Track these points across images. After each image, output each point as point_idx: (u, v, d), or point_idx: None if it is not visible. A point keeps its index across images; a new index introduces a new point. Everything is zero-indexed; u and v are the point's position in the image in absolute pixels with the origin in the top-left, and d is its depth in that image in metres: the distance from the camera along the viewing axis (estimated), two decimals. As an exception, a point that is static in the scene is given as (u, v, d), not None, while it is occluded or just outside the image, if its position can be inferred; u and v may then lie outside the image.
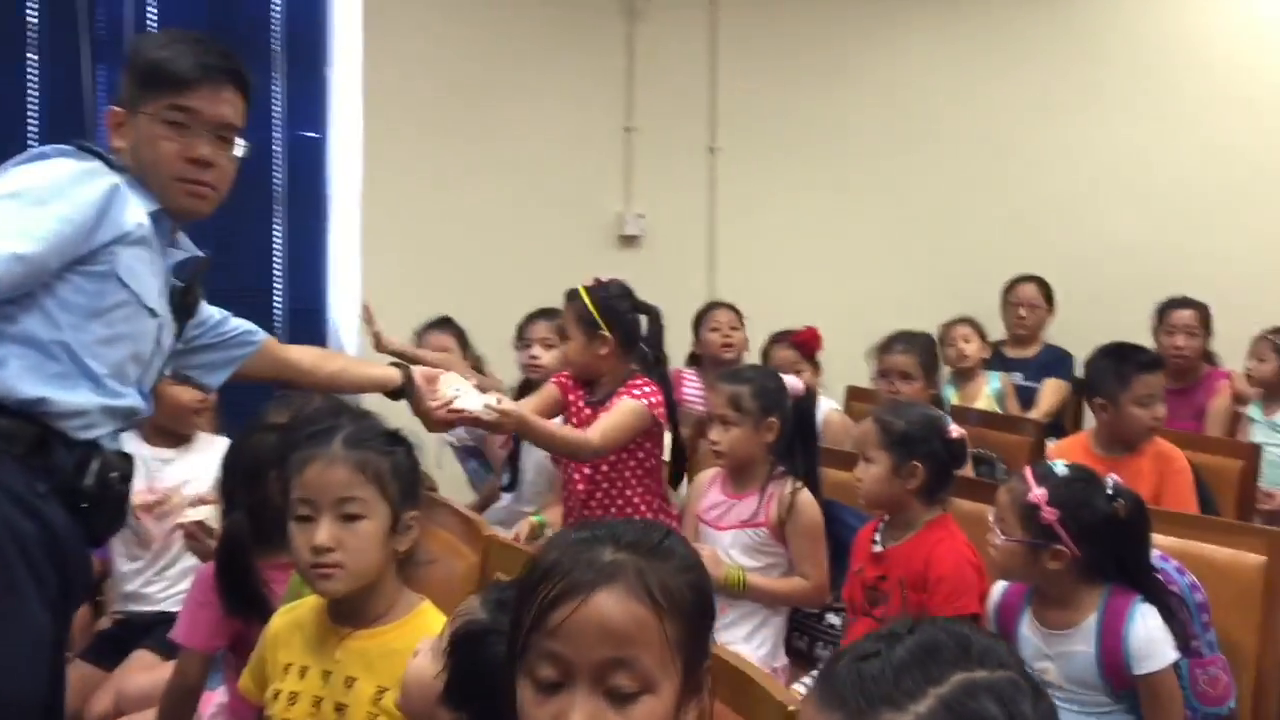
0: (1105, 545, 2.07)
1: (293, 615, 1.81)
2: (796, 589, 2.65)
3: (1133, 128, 5.25)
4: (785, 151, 5.38)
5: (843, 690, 0.85)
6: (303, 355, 2.41)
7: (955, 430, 2.49)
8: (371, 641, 1.71)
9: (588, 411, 3.00)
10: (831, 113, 5.42)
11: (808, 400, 2.81)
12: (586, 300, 2.96)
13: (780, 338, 4.16)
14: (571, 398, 3.06)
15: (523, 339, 3.82)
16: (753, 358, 4.32)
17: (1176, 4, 5.31)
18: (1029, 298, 4.91)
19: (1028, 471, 2.15)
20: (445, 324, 4.03)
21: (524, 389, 3.72)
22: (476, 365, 3.94)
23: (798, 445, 2.73)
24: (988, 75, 5.43)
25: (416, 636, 1.64)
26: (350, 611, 1.73)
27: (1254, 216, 5.06)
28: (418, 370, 2.44)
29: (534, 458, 3.55)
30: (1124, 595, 2.08)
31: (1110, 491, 2.08)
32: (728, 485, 2.77)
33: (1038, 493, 2.07)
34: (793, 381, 2.80)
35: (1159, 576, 2.15)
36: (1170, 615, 2.06)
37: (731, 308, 4.42)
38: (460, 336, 4.03)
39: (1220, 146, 5.11)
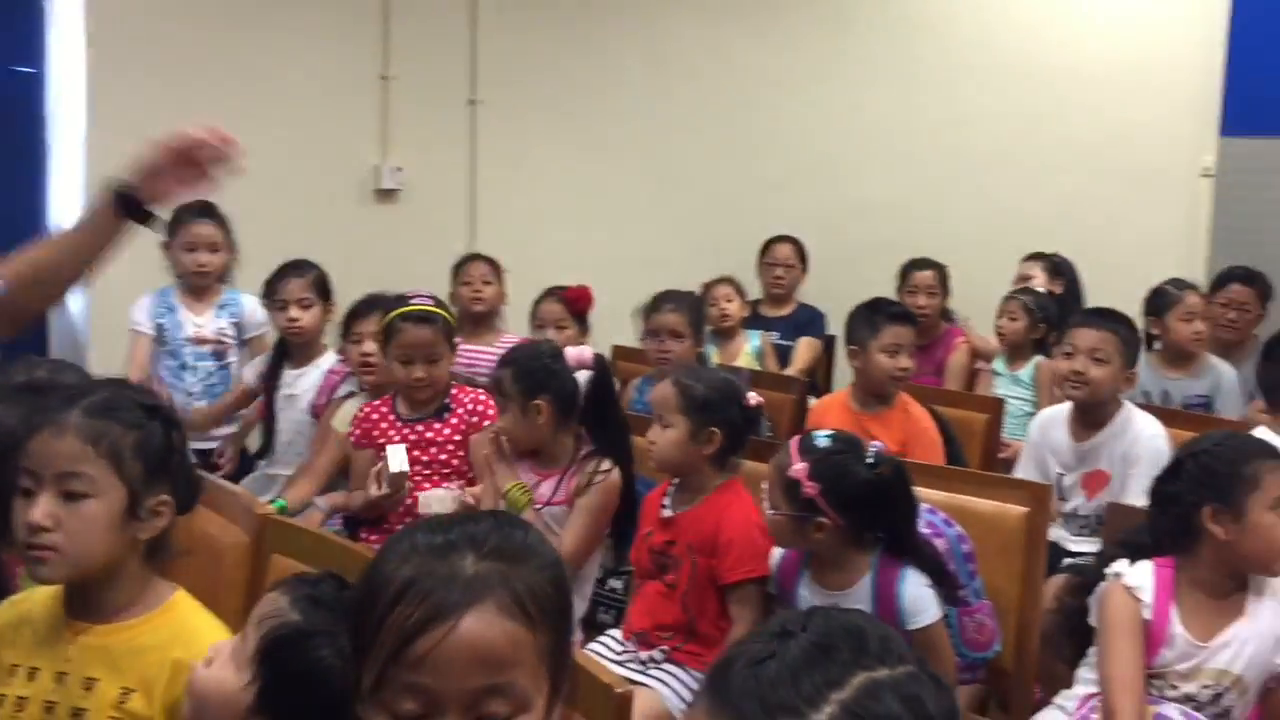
0: (867, 512, 2.11)
1: (18, 609, 1.59)
2: None
3: (879, 94, 5.47)
4: (548, 106, 5.27)
5: (737, 699, 0.79)
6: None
7: (753, 397, 2.49)
8: (113, 638, 1.51)
9: None
10: (594, 69, 5.36)
11: (601, 370, 2.67)
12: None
13: (551, 292, 4.08)
14: None
15: (275, 298, 3.56)
16: (513, 313, 4.21)
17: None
18: (784, 257, 5.02)
19: (791, 445, 2.15)
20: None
21: (282, 353, 3.50)
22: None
23: (595, 419, 2.63)
24: (743, 38, 5.50)
25: (168, 632, 1.48)
26: (86, 604, 1.52)
27: (989, 181, 5.37)
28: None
29: (290, 418, 3.35)
30: (894, 555, 2.14)
31: (871, 459, 2.11)
32: (534, 461, 2.67)
33: (798, 467, 2.08)
34: (578, 353, 2.66)
35: (927, 530, 2.22)
36: (939, 570, 2.13)
37: (488, 261, 4.25)
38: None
39: (960, 114, 5.39)
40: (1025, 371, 4.20)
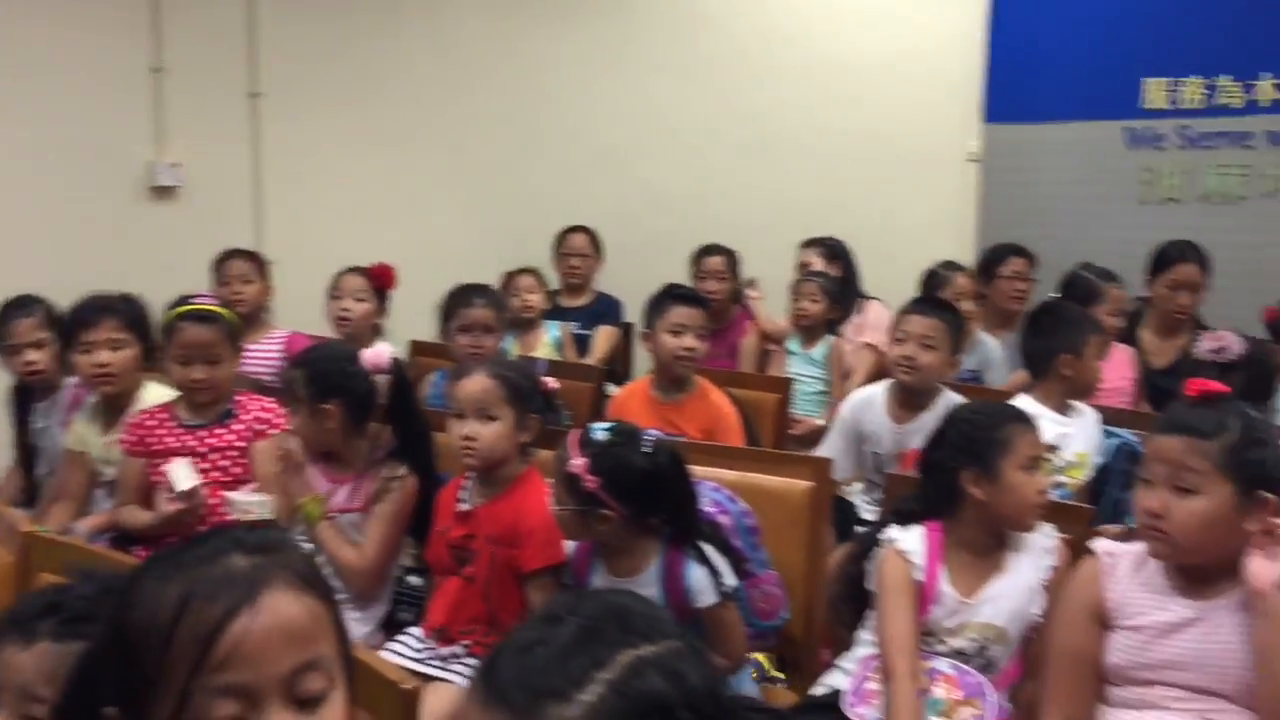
0: (648, 499, 2.16)
1: None
2: (349, 560, 2.50)
3: (666, 86, 5.58)
4: (335, 98, 5.15)
5: (505, 687, 0.80)
6: None
7: (550, 381, 2.52)
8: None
9: None
10: (381, 60, 5.26)
11: (399, 373, 2.62)
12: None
13: (355, 268, 4.00)
14: None
15: (4, 342, 3.17)
16: (284, 310, 4.10)
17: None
18: (579, 247, 5.07)
19: (570, 440, 2.18)
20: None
21: (24, 393, 3.28)
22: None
23: (396, 422, 2.59)
24: (531, 28, 5.52)
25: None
26: None
27: (773, 169, 5.54)
28: None
29: (54, 452, 3.15)
30: (679, 539, 2.20)
31: (648, 448, 2.15)
32: (327, 466, 2.61)
33: (577, 462, 2.11)
34: (374, 354, 2.60)
35: (712, 509, 2.30)
36: (724, 547, 2.21)
37: (248, 257, 4.03)
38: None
39: (743, 104, 5.55)
40: (818, 351, 4.36)
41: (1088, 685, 1.90)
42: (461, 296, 3.61)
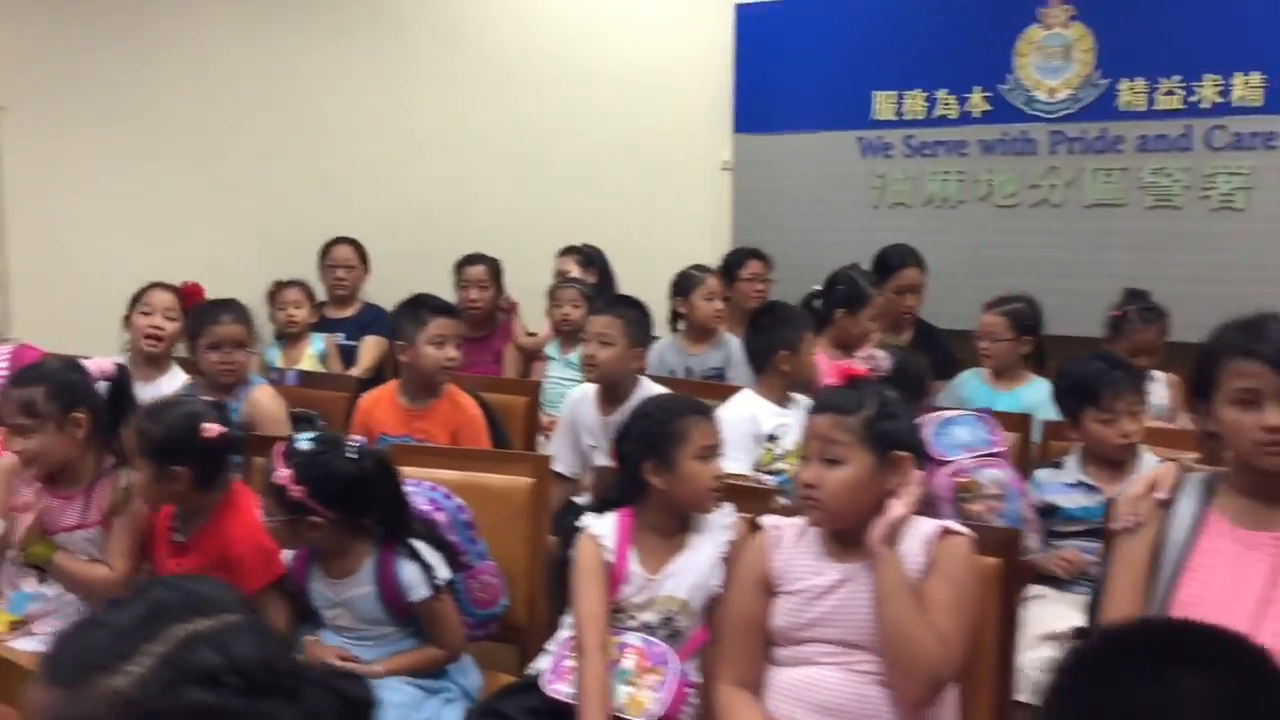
0: (356, 502, 2.26)
1: None
2: (101, 578, 2.54)
3: (428, 97, 5.67)
4: (83, 111, 5.05)
5: (60, 665, 0.84)
6: None
7: (211, 428, 2.42)
8: None
9: None
10: (130, 71, 5.18)
11: (122, 379, 2.67)
12: None
13: (161, 284, 3.89)
14: None
15: None
16: (24, 323, 4.01)
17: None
18: (344, 259, 5.11)
19: (275, 452, 2.26)
20: None
21: None
22: None
23: (116, 429, 2.61)
24: (288, 38, 5.52)
25: None
26: None
27: (536, 179, 5.69)
28: None
29: None
30: (392, 538, 2.32)
31: (353, 454, 2.26)
32: (53, 486, 2.59)
33: (282, 473, 2.20)
34: (98, 365, 2.63)
35: (428, 506, 2.42)
36: (438, 543, 2.34)
37: None
38: None
39: (505, 116, 5.69)
40: (576, 355, 4.52)
41: (756, 648, 2.10)
42: (208, 313, 3.51)
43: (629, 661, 2.18)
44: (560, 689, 2.18)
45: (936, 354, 3.92)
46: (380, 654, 2.34)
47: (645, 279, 4.96)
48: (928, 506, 2.91)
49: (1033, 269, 4.72)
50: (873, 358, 3.22)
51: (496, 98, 5.67)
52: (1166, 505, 2.06)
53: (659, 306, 4.40)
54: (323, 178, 5.54)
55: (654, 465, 2.23)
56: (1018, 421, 3.32)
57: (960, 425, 3.01)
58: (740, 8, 5.38)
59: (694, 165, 5.58)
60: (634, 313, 3.43)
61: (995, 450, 2.90)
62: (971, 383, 3.81)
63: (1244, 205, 4.38)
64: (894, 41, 5.03)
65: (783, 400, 3.31)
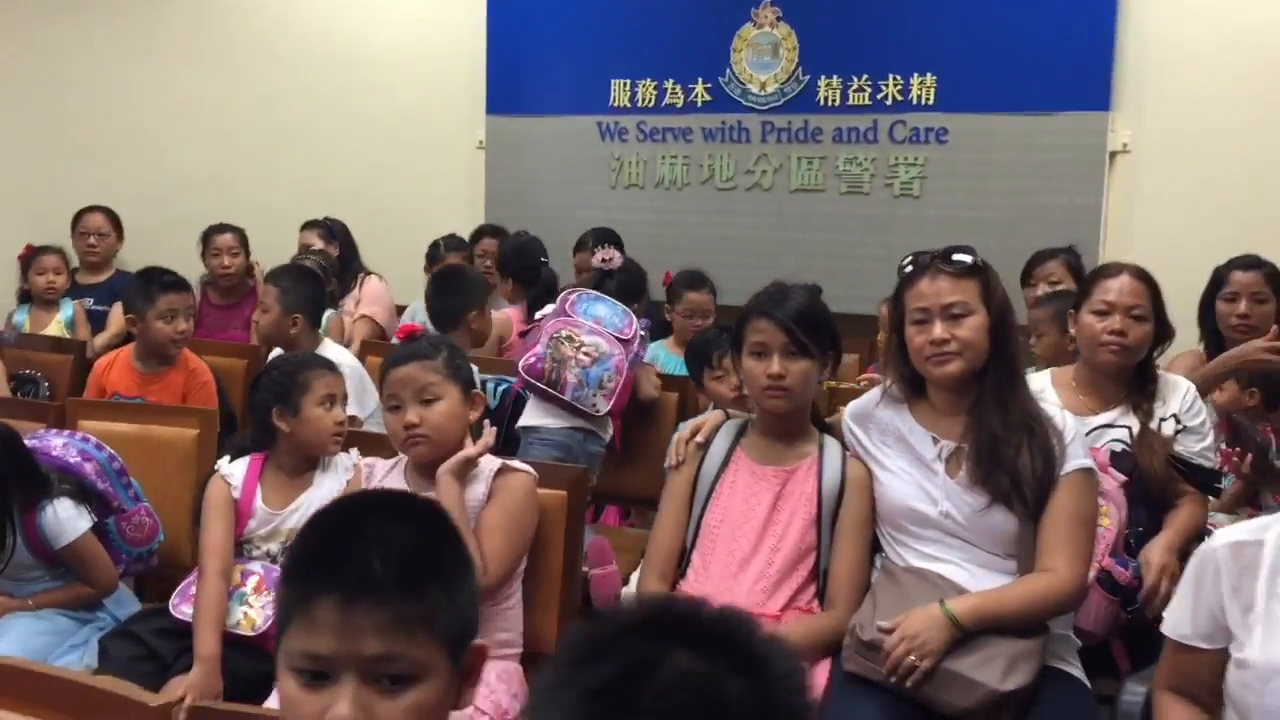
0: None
1: None
2: None
3: (191, 72, 5.82)
4: None
5: None
6: None
7: None
8: None
9: None
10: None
11: None
12: None
13: None
14: None
15: None
16: None
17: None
18: (96, 226, 5.25)
19: None
20: None
21: None
22: None
23: None
24: (53, 15, 5.59)
25: None
26: None
27: (298, 154, 5.90)
28: None
29: None
30: (28, 501, 2.54)
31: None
32: None
33: None
34: None
35: (77, 457, 2.67)
36: (85, 491, 2.60)
37: None
38: None
39: (268, 92, 5.88)
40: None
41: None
42: None
43: (249, 585, 2.48)
44: (185, 610, 2.47)
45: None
46: (35, 590, 2.60)
47: (404, 252, 5.27)
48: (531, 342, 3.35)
49: (748, 247, 5.17)
50: (607, 253, 3.72)
51: (258, 73, 5.85)
52: (704, 447, 2.47)
53: (417, 278, 4.72)
54: (83, 149, 5.64)
55: (280, 411, 2.53)
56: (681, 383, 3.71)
57: (606, 305, 3.45)
58: (492, -5, 5.67)
59: (449, 144, 5.85)
60: (292, 283, 3.70)
61: (621, 337, 3.34)
62: (659, 352, 4.20)
63: (920, 193, 4.90)
64: (629, 33, 5.40)
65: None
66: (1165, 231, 4.43)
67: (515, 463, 2.41)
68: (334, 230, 5.16)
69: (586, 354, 3.28)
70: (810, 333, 2.31)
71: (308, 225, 5.19)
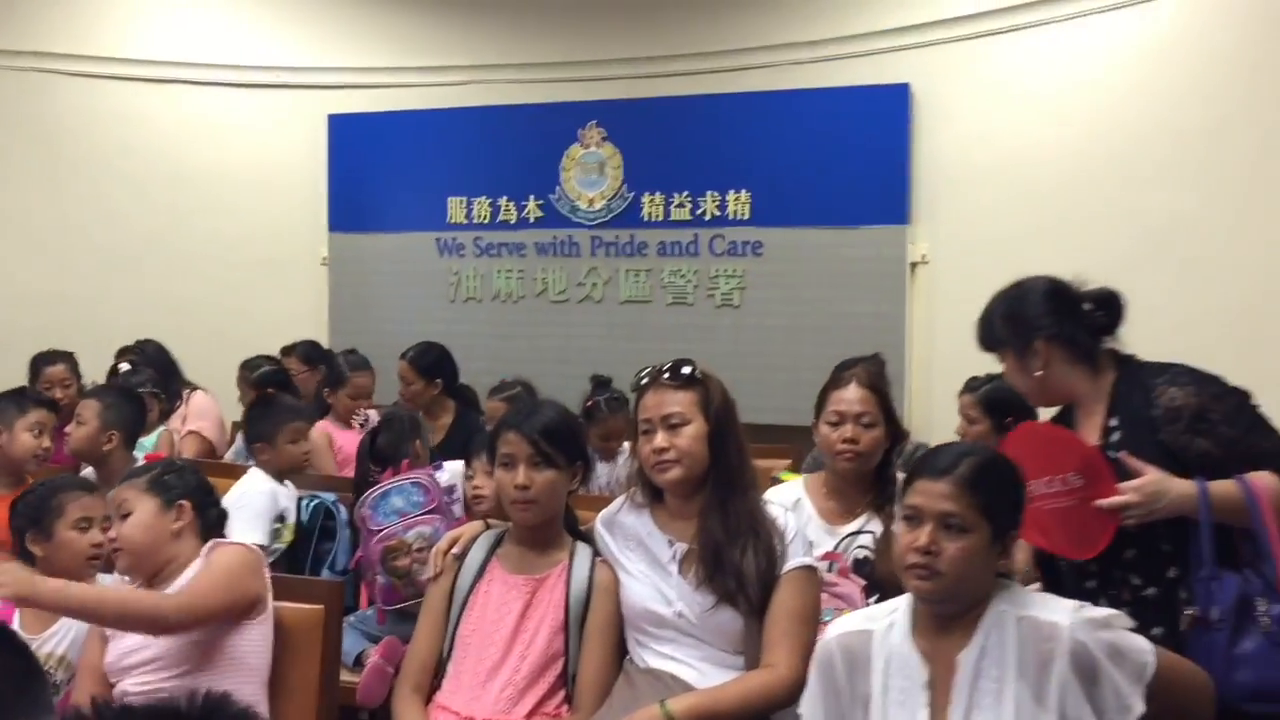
0: None
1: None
2: None
3: (28, 191, 5.85)
4: None
5: None
6: None
7: None
8: None
9: None
10: None
11: None
12: None
13: None
14: None
15: None
16: None
17: (72, 93, 5.98)
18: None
19: None
20: None
21: None
22: None
23: None
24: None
25: None
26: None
27: (137, 271, 5.94)
28: None
29: None
30: None
31: None
32: None
33: None
34: None
35: None
36: None
37: None
38: None
39: (109, 211, 5.93)
40: (150, 440, 4.77)
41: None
42: None
43: None
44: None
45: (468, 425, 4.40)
46: None
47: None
48: (368, 570, 3.37)
49: (582, 357, 5.29)
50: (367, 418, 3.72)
51: (95, 191, 5.92)
52: (460, 558, 2.55)
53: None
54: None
55: (33, 535, 2.56)
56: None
57: (396, 494, 3.47)
58: (332, 117, 5.83)
59: (293, 261, 5.95)
60: (110, 399, 3.72)
61: (429, 509, 3.38)
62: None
63: (739, 303, 5.12)
64: (465, 153, 5.60)
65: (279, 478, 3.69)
66: (963, 335, 4.66)
67: (226, 541, 2.48)
68: (148, 353, 5.14)
69: (420, 549, 3.24)
70: (555, 444, 2.42)
71: (123, 351, 5.17)
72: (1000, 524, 1.88)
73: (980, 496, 1.86)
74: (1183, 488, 2.19)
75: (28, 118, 5.91)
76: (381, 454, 3.56)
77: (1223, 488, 2.18)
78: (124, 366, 5.01)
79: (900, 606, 1.98)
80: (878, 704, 1.86)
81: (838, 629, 1.93)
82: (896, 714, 1.88)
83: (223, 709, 0.98)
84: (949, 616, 1.90)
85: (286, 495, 3.65)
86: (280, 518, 3.64)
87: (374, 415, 3.85)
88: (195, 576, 2.38)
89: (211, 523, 2.57)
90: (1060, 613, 1.86)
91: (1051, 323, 2.38)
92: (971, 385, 4.00)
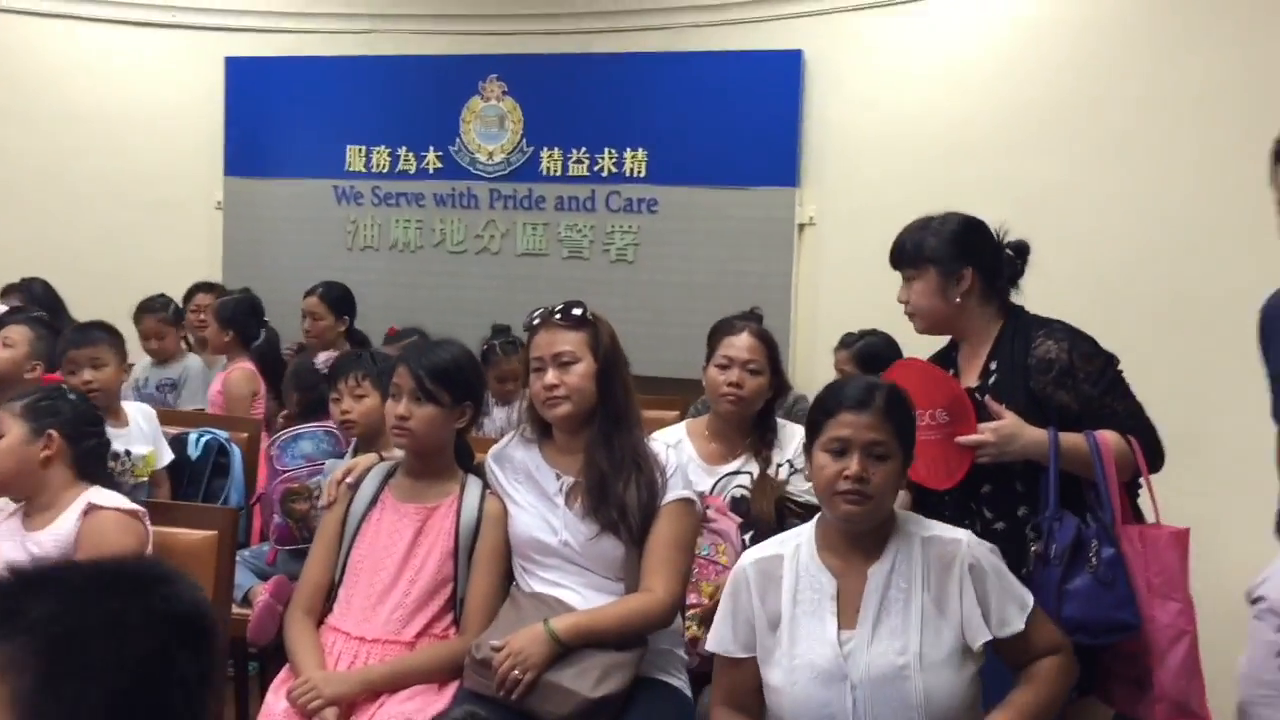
0: None
1: None
2: None
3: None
4: None
5: None
6: None
7: None
8: None
9: None
10: None
11: None
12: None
13: None
14: None
15: None
16: None
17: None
18: None
19: None
20: None
21: None
22: None
23: None
24: None
25: None
26: None
27: (26, 212, 5.83)
28: None
29: None
30: None
31: None
32: None
33: None
34: None
35: None
36: None
37: None
38: None
39: (-7, 148, 5.79)
40: None
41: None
42: None
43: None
44: None
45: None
46: None
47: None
48: (266, 508, 3.43)
49: (477, 309, 5.36)
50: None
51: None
52: (354, 488, 2.63)
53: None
54: None
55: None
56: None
57: (307, 439, 3.53)
58: (230, 60, 5.76)
59: (187, 204, 5.89)
60: (41, 330, 3.70)
61: (337, 453, 3.43)
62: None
63: (634, 259, 5.24)
64: (365, 102, 5.60)
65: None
66: (846, 295, 4.89)
67: (104, 501, 2.54)
68: (34, 292, 5.07)
69: (319, 497, 3.26)
70: (440, 382, 2.51)
71: (6, 290, 5.08)
72: (908, 450, 2.09)
73: (895, 425, 2.06)
74: (1035, 435, 2.39)
75: None
76: (313, 405, 3.60)
77: (1072, 439, 2.38)
78: (4, 307, 4.93)
79: (805, 531, 2.16)
80: (787, 616, 2.02)
81: (750, 556, 2.09)
82: (806, 623, 2.05)
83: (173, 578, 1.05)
84: (858, 535, 2.08)
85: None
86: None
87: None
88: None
89: (86, 453, 2.62)
90: (959, 534, 2.09)
91: (987, 257, 2.53)
92: (846, 341, 4.20)
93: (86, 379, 3.26)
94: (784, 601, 2.06)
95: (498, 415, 4.19)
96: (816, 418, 2.12)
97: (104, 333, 3.42)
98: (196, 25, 5.83)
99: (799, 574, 2.09)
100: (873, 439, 2.04)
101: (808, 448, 2.15)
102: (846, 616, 2.06)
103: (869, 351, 4.00)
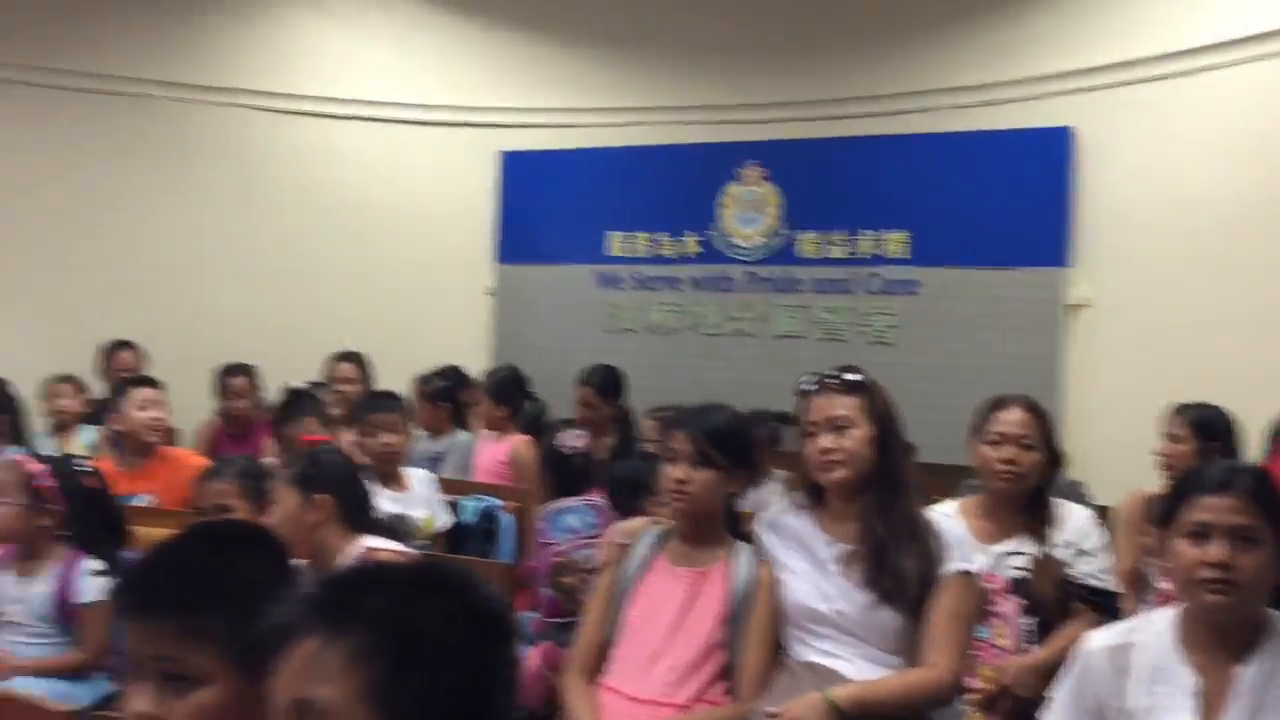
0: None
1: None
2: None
3: (219, 217, 6.28)
4: None
5: None
6: None
7: None
8: None
9: None
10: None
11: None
12: None
13: None
14: None
15: None
16: None
17: (268, 128, 6.42)
18: (126, 363, 5.60)
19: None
20: None
21: None
22: None
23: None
24: (90, 166, 6.10)
25: None
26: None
27: (317, 293, 6.30)
28: None
29: None
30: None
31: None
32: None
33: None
34: None
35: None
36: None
37: None
38: None
39: (290, 235, 6.33)
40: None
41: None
42: None
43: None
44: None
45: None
46: (37, 655, 2.82)
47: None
48: (536, 579, 3.53)
49: (734, 390, 5.37)
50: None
51: (280, 218, 6.30)
52: (625, 549, 2.68)
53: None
54: (112, 281, 6.05)
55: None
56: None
57: (571, 514, 3.62)
58: (506, 154, 6.12)
59: (460, 290, 6.24)
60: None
61: (599, 534, 3.50)
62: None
63: (894, 341, 5.16)
64: (626, 190, 5.82)
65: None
66: (1123, 381, 4.64)
67: (379, 545, 2.66)
68: (363, 363, 5.44)
69: (588, 573, 3.36)
70: (717, 446, 2.53)
71: (343, 357, 5.48)
72: None
73: (1265, 509, 1.89)
74: None
75: (226, 149, 6.36)
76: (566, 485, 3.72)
77: None
78: (349, 374, 5.30)
79: (1159, 620, 2.02)
80: (1142, 709, 1.90)
81: (1097, 642, 1.98)
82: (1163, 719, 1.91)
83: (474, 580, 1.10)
84: (1224, 630, 1.93)
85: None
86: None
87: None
88: None
89: (352, 506, 2.75)
90: None
91: None
92: (1179, 409, 3.92)
93: (386, 442, 3.45)
94: (1138, 694, 1.93)
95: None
96: (1173, 504, 1.99)
97: (399, 402, 3.64)
98: (475, 123, 6.23)
99: (1154, 669, 1.95)
100: (1238, 523, 1.88)
101: (1162, 538, 2.02)
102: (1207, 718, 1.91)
103: (1205, 417, 3.74)
